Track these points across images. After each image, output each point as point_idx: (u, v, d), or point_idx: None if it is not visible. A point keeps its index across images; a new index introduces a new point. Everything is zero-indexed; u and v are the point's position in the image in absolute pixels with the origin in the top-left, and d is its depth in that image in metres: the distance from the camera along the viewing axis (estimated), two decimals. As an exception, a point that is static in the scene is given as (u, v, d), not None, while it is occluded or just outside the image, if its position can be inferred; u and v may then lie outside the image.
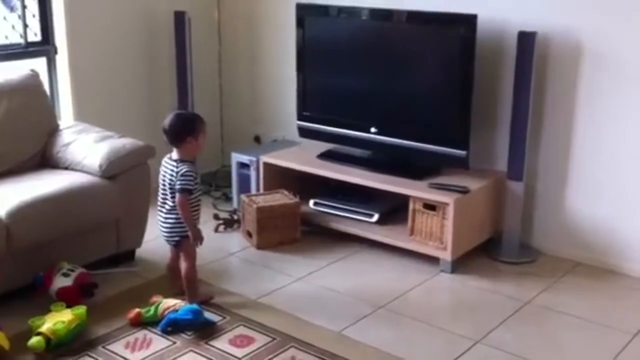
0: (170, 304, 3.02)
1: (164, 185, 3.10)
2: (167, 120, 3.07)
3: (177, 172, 3.02)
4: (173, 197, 3.05)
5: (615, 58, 3.42)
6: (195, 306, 3.01)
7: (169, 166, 3.07)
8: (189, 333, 2.95)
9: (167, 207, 3.09)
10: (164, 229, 3.13)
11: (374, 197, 3.94)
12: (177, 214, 3.06)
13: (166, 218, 3.10)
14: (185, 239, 3.11)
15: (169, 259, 3.26)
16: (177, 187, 3.01)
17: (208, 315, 3.06)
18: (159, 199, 3.13)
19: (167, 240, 3.17)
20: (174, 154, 3.09)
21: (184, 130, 3.05)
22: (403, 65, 3.82)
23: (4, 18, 4.03)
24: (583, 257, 3.69)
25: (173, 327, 2.95)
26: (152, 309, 3.02)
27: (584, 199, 3.65)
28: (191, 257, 3.15)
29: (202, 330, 2.96)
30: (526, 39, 3.44)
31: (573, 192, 3.68)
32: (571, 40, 3.52)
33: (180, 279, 3.18)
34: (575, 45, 3.51)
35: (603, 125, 3.52)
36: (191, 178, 3.03)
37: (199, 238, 3.09)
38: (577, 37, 3.50)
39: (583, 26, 3.48)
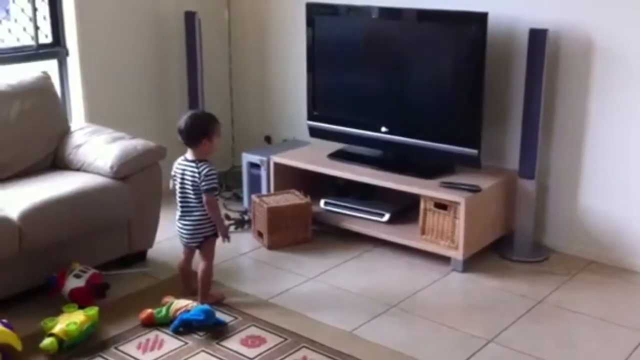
0: (182, 305, 3.02)
1: (183, 186, 3.08)
2: (182, 121, 3.07)
3: (199, 173, 3.02)
4: (198, 198, 3.04)
5: (626, 55, 3.40)
6: (207, 307, 3.02)
7: (188, 167, 3.06)
8: (200, 333, 2.95)
9: (190, 207, 3.08)
10: (187, 231, 3.11)
11: (384, 196, 3.94)
12: (200, 214, 3.06)
13: (190, 219, 3.09)
14: (208, 239, 3.12)
15: (182, 260, 3.25)
16: (204, 187, 3.01)
17: (219, 315, 3.06)
18: (179, 201, 3.10)
19: (189, 242, 3.15)
20: (189, 155, 3.08)
21: (199, 131, 3.05)
22: (413, 64, 3.81)
23: (15, 20, 4.05)
24: (596, 255, 3.66)
25: (185, 327, 2.96)
26: (164, 309, 3.03)
27: (596, 197, 3.63)
28: (211, 258, 3.17)
29: (213, 330, 2.97)
30: (537, 37, 3.42)
31: (585, 190, 3.66)
32: (582, 37, 3.50)
33: (193, 280, 3.17)
34: (587, 43, 3.49)
35: (615, 122, 3.50)
36: (215, 177, 3.05)
37: (228, 235, 3.12)
38: (588, 34, 3.48)
39: (594, 23, 3.46)
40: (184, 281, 3.27)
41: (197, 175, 3.03)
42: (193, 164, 3.05)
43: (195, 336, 2.94)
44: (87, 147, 3.58)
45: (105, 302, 3.16)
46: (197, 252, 3.20)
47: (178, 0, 4.50)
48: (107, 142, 3.57)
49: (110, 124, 3.84)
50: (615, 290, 3.40)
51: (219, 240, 3.17)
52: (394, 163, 3.90)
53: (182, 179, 3.08)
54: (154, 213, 3.61)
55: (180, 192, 3.10)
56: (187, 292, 3.21)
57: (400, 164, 3.87)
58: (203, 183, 3.01)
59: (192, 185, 3.05)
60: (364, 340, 2.94)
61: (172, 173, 3.14)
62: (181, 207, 3.11)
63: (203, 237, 3.12)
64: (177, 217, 3.14)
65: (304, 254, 3.77)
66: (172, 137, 4.47)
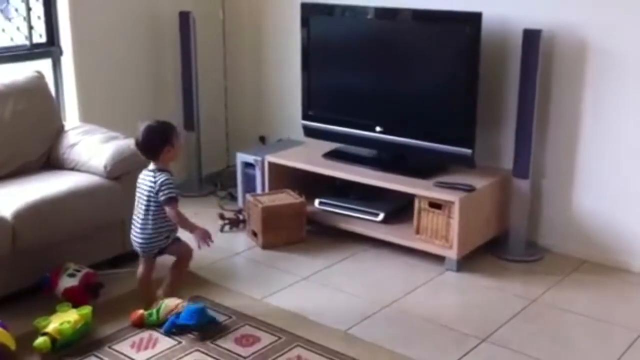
0: (172, 306, 2.98)
1: (140, 196, 3.00)
2: (139, 135, 2.96)
3: (155, 182, 2.94)
4: (155, 208, 2.95)
5: (620, 55, 3.41)
6: (197, 306, 2.98)
7: (146, 178, 2.99)
8: (194, 332, 2.95)
9: (142, 218, 2.98)
10: (142, 241, 3.01)
11: (379, 196, 3.94)
12: (153, 226, 2.98)
13: (143, 229, 2.99)
14: (171, 245, 3.05)
15: (141, 273, 3.10)
16: (162, 197, 2.92)
17: (212, 313, 3.05)
18: (136, 212, 3.02)
19: (146, 252, 3.04)
20: (151, 165, 3.00)
21: (159, 140, 2.96)
22: (408, 64, 3.82)
23: (9, 20, 4.04)
24: (590, 254, 3.67)
25: (177, 329, 2.93)
26: (154, 312, 2.99)
27: (591, 197, 3.63)
28: (187, 257, 3.10)
29: (207, 329, 2.96)
30: (531, 37, 3.43)
31: (579, 190, 3.67)
32: (577, 37, 3.51)
33: (153, 290, 3.11)
34: (581, 43, 3.50)
35: (609, 122, 3.51)
36: (172, 185, 2.95)
37: (207, 235, 3.00)
38: (582, 35, 3.49)
39: (588, 23, 3.47)
40: (143, 294, 3.11)
41: (153, 184, 2.94)
42: (152, 174, 2.97)
43: (189, 335, 2.94)
44: (81, 146, 3.58)
45: (99, 302, 3.15)
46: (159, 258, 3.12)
47: (173, 0, 4.49)
48: (101, 141, 3.57)
49: (104, 124, 3.83)
50: (609, 290, 3.40)
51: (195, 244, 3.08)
52: (388, 163, 3.91)
53: (140, 189, 3.00)
54: (148, 212, 3.60)
55: (139, 203, 3.01)
56: (146, 304, 3.06)
57: (395, 164, 3.87)
58: (161, 193, 2.92)
59: (146, 196, 2.96)
60: (358, 339, 2.94)
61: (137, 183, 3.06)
62: (135, 216, 3.02)
63: (159, 248, 3.04)
64: (132, 226, 3.05)
65: (298, 254, 3.77)
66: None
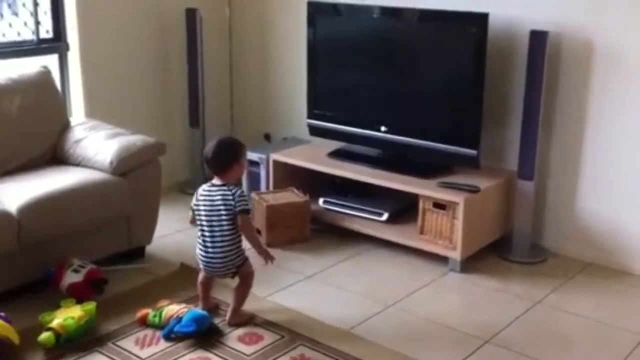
0: (174, 312, 2.95)
1: (210, 213, 2.90)
2: (209, 149, 2.93)
3: (232, 194, 2.89)
4: (231, 223, 2.90)
5: (627, 56, 3.41)
6: (199, 313, 2.94)
7: (218, 192, 2.91)
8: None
9: (221, 235, 2.90)
10: (221, 261, 2.93)
11: (383, 195, 3.94)
12: (232, 241, 2.92)
13: (220, 249, 2.91)
14: (243, 266, 2.98)
15: (202, 276, 3.06)
16: (239, 208, 2.88)
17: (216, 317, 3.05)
18: (206, 231, 2.92)
19: (223, 273, 2.98)
20: (217, 180, 2.94)
21: (229, 156, 2.93)
22: (414, 64, 3.81)
23: (16, 15, 4.05)
24: (594, 257, 3.67)
25: (176, 335, 2.89)
26: (158, 315, 2.97)
27: (596, 199, 3.63)
28: (251, 279, 3.03)
29: (207, 336, 2.90)
30: (538, 38, 3.43)
31: (584, 192, 3.66)
32: (583, 39, 3.50)
33: (210, 295, 3.12)
34: (587, 44, 3.50)
35: (615, 124, 3.51)
36: (247, 199, 2.94)
37: (270, 256, 3.01)
38: (589, 36, 3.49)
39: (595, 25, 3.46)
40: (204, 295, 3.10)
41: (230, 197, 2.89)
42: (224, 187, 2.91)
43: (193, 333, 2.94)
44: (87, 142, 3.58)
45: (103, 298, 3.15)
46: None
47: (180, -3, 4.51)
48: (107, 137, 3.57)
49: (110, 120, 3.84)
50: (613, 293, 3.40)
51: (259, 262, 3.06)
52: (393, 162, 3.91)
53: (213, 205, 2.90)
54: (153, 209, 3.61)
55: (207, 221, 2.92)
56: (205, 307, 3.07)
57: (400, 164, 3.87)
58: (238, 204, 2.88)
59: (225, 209, 2.89)
60: (361, 339, 2.94)
61: (194, 203, 2.96)
62: (209, 236, 2.92)
63: (235, 268, 2.96)
64: (200, 246, 2.96)
65: (302, 252, 3.77)
66: (172, 133, 4.51)
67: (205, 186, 2.96)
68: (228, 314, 3.03)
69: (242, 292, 3.04)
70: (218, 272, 2.98)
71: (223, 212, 2.90)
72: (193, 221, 3.01)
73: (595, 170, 3.61)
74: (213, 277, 3.05)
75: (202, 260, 2.98)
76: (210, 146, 2.95)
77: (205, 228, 2.93)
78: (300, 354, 2.81)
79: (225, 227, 2.91)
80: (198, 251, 2.98)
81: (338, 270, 3.59)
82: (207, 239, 2.93)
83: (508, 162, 3.83)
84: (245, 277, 3.01)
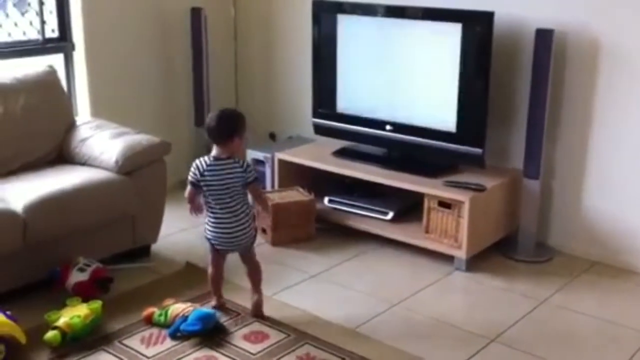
0: (179, 310, 2.96)
1: (223, 187, 2.89)
2: (211, 118, 2.92)
3: (242, 167, 2.91)
4: (244, 193, 2.94)
5: (633, 56, 3.39)
6: (204, 312, 2.94)
7: (225, 165, 2.90)
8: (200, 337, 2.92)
9: (236, 207, 2.91)
10: (241, 233, 2.95)
11: (388, 194, 3.94)
12: (247, 211, 2.95)
13: (240, 219, 2.93)
14: (256, 235, 3.06)
15: (213, 271, 3.06)
16: (251, 179, 2.92)
17: (221, 313, 3.05)
18: (220, 205, 2.91)
19: (243, 245, 2.99)
20: (219, 153, 2.91)
21: (232, 127, 2.91)
22: (419, 62, 3.81)
23: (22, 14, 4.06)
24: (600, 256, 3.66)
25: (181, 334, 2.90)
26: (163, 313, 2.98)
27: (601, 198, 3.62)
28: (256, 260, 3.09)
29: (213, 335, 2.90)
30: (544, 37, 3.42)
31: (590, 191, 3.66)
32: (589, 37, 3.49)
33: (222, 292, 3.13)
34: (593, 43, 3.49)
35: (621, 122, 3.50)
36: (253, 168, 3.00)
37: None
38: (594, 35, 3.48)
39: (601, 23, 3.45)
40: (216, 290, 3.12)
41: (240, 169, 2.90)
42: (230, 160, 2.90)
43: (198, 332, 2.95)
44: (93, 141, 3.59)
45: (109, 296, 3.16)
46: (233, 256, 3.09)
47: (185, -3, 4.51)
48: (112, 136, 3.58)
49: (115, 119, 3.85)
50: (619, 292, 3.39)
51: None
52: (398, 161, 3.91)
53: (222, 179, 2.89)
54: (158, 208, 3.62)
55: (220, 195, 2.90)
56: (218, 303, 3.10)
57: (405, 163, 3.87)
58: (249, 174, 2.91)
59: (238, 182, 2.90)
60: (367, 337, 2.94)
61: (194, 176, 2.91)
62: (223, 210, 2.92)
63: (254, 232, 3.02)
64: (216, 223, 2.94)
65: (307, 251, 3.77)
66: (177, 132, 4.51)
67: (206, 159, 2.92)
68: (252, 306, 3.07)
69: (257, 272, 3.09)
70: (239, 243, 2.98)
71: (237, 185, 2.91)
72: (192, 200, 2.96)
73: (601, 169, 3.60)
74: (227, 253, 3.05)
75: (217, 237, 2.97)
76: (212, 116, 2.96)
77: (221, 201, 2.91)
78: (305, 353, 2.81)
79: (240, 199, 2.93)
80: (209, 230, 2.98)
81: (343, 269, 3.59)
82: (221, 213, 2.92)
83: (513, 161, 3.83)
84: (251, 259, 3.08)
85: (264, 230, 3.91)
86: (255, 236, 3.05)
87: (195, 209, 2.98)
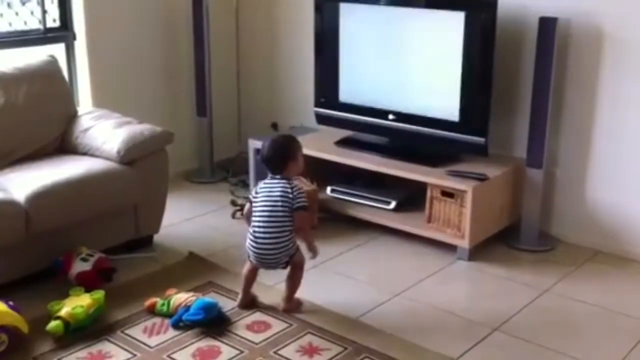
0: (182, 300, 2.96)
1: (267, 203, 2.91)
2: (264, 150, 2.95)
3: (292, 190, 2.91)
4: (286, 216, 2.90)
5: (637, 43, 3.38)
6: (207, 301, 2.94)
7: (277, 185, 2.93)
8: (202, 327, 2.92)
9: (274, 227, 2.90)
10: (272, 252, 2.94)
11: (391, 184, 3.93)
12: (289, 233, 2.93)
13: (276, 239, 2.91)
14: (294, 256, 3.00)
15: (247, 270, 3.05)
16: (297, 205, 2.90)
17: (224, 304, 3.05)
18: (261, 221, 2.91)
19: (274, 264, 2.98)
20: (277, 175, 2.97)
21: (283, 157, 2.94)
22: (422, 51, 3.79)
23: (23, 4, 4.05)
24: (603, 245, 3.65)
25: (184, 324, 2.91)
26: (166, 303, 2.98)
27: (605, 187, 3.61)
28: (302, 267, 3.06)
29: (215, 324, 2.90)
30: (547, 25, 3.40)
31: (593, 180, 3.65)
32: (592, 25, 3.47)
33: (251, 290, 3.10)
34: (597, 31, 3.47)
35: (624, 111, 3.48)
36: (304, 195, 2.96)
37: (317, 252, 3.04)
38: (598, 23, 3.46)
39: (605, 11, 3.43)
40: (245, 287, 3.09)
41: (290, 192, 2.90)
42: (284, 181, 2.92)
43: (201, 321, 2.95)
44: (94, 131, 3.58)
45: (112, 286, 3.16)
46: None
47: (186, -15, 4.49)
48: (114, 126, 3.57)
49: (117, 109, 3.83)
50: (622, 281, 3.39)
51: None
52: (401, 151, 3.90)
53: (269, 196, 2.91)
54: (160, 198, 3.61)
55: (263, 211, 2.91)
56: (244, 300, 3.07)
57: (407, 152, 3.86)
58: (297, 200, 2.90)
59: (282, 202, 2.89)
60: (369, 327, 2.94)
61: (253, 195, 2.97)
62: (263, 227, 2.91)
63: (288, 258, 2.97)
64: (252, 238, 2.95)
65: (310, 241, 3.77)
66: (179, 122, 4.50)
67: (266, 179, 2.98)
68: (283, 302, 3.06)
69: (296, 280, 3.06)
70: (270, 263, 2.98)
71: (279, 204, 2.90)
72: (247, 217, 2.99)
73: (604, 158, 3.59)
74: (260, 268, 3.04)
75: (252, 252, 2.97)
76: (265, 147, 2.96)
77: (260, 218, 2.92)
78: (308, 342, 2.81)
79: (280, 219, 2.91)
80: (248, 242, 2.98)
81: (346, 259, 3.59)
82: (260, 230, 2.92)
83: (516, 150, 3.82)
84: (297, 265, 3.03)
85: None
86: (287, 263, 2.99)
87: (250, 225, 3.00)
